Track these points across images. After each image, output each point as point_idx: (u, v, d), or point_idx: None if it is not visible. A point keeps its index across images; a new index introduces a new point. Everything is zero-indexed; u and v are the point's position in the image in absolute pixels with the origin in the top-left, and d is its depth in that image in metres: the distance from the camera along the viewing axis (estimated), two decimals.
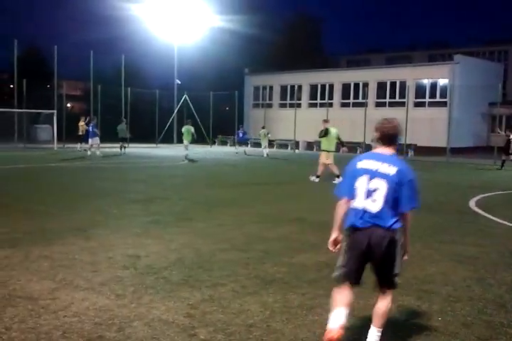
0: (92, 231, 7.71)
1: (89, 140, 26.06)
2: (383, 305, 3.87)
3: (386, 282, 3.84)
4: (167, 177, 16.02)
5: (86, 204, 10.33)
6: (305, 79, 40.48)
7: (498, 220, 9.49)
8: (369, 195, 3.73)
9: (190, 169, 19.79)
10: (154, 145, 36.99)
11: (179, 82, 42.59)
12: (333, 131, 15.73)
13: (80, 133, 29.08)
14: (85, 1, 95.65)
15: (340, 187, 3.94)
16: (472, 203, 11.76)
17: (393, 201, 3.70)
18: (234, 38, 47.65)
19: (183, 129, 25.05)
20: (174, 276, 5.55)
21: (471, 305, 4.91)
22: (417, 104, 34.78)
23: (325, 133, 15.60)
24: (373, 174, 3.74)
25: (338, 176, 15.27)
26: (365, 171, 3.78)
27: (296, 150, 35.00)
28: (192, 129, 24.82)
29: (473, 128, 35.00)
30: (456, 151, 30.98)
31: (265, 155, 28.74)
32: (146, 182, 14.56)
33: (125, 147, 28.65)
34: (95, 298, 4.82)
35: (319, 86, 39.75)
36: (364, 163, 3.83)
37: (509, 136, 22.75)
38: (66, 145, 31.94)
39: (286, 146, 36.98)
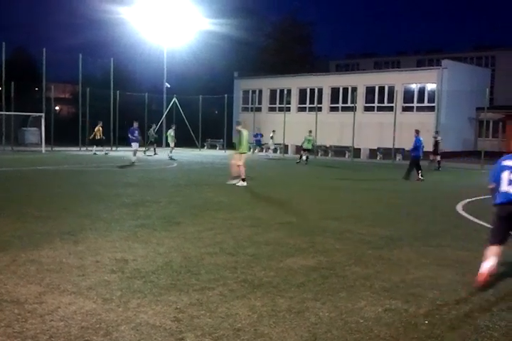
0: (80, 235, 7.67)
1: (132, 144, 24.09)
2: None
3: None
4: (157, 181, 15.98)
5: (76, 207, 10.28)
6: (294, 83, 40.59)
7: (485, 224, 9.54)
8: (511, 182, 5.68)
9: (180, 172, 19.76)
10: (143, 148, 36.86)
11: (168, 86, 42.56)
12: (245, 133, 15.74)
13: (98, 137, 29.31)
14: (74, 4, 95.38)
15: (492, 176, 5.99)
16: (459, 207, 11.85)
17: None
18: (223, 41, 47.71)
19: (168, 133, 28.31)
20: (162, 280, 5.54)
21: (457, 308, 4.95)
22: (405, 109, 34.98)
23: (239, 136, 15.62)
24: None
25: (243, 179, 15.12)
26: (507, 167, 5.77)
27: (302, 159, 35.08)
28: (172, 133, 28.13)
29: (460, 133, 35.27)
30: (443, 155, 31.18)
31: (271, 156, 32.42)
32: (136, 185, 14.51)
33: (154, 149, 31.04)
34: (82, 302, 4.80)
35: (308, 90, 39.87)
36: (506, 162, 5.85)
37: (436, 138, 25.32)
38: (54, 149, 31.79)
39: (275, 150, 37.02)
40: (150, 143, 31.49)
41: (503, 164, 5.82)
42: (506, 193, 5.69)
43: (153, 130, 32.19)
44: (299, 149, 36.81)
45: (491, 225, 6.05)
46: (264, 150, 36.14)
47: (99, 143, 29.81)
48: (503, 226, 5.77)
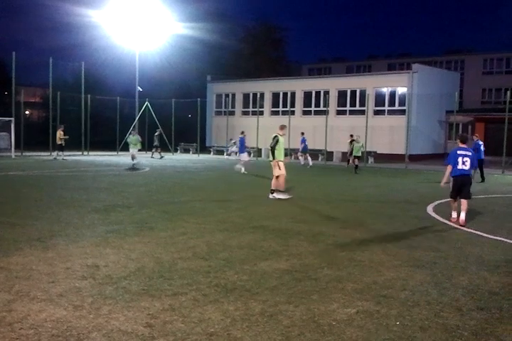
0: (50, 241, 7.56)
1: (241, 155, 23.46)
2: (464, 205, 9.73)
3: (465, 195, 9.83)
4: (129, 186, 15.84)
5: (46, 213, 10.13)
6: (267, 87, 40.72)
7: (455, 225, 9.72)
8: (463, 163, 9.72)
9: (153, 177, 19.62)
10: (115, 152, 36.57)
11: (141, 89, 42.26)
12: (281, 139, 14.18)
13: (60, 142, 28.19)
14: (45, 7, 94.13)
15: (449, 160, 9.89)
16: (430, 209, 12.02)
17: (471, 165, 9.79)
18: (196, 45, 47.64)
19: (133, 138, 26.36)
20: (134, 286, 5.49)
21: (428, 309, 5.01)
22: (377, 112, 35.38)
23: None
24: (464, 155, 9.76)
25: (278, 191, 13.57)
26: (460, 154, 9.78)
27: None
28: (139, 138, 26.83)
29: (431, 136, 35.82)
30: (414, 158, 31.62)
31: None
32: (108, 190, 14.36)
33: (159, 152, 32.55)
34: (52, 310, 4.73)
35: (281, 94, 40.03)
36: (459, 151, 9.83)
37: (352, 142, 26.78)
38: (24, 154, 31.30)
39: (248, 154, 37.00)
40: (154, 147, 32.97)
41: (458, 153, 9.83)
42: (460, 170, 9.75)
43: (158, 135, 33.32)
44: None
45: (451, 188, 10.04)
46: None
47: (60, 148, 28.50)
48: (457, 188, 9.88)
